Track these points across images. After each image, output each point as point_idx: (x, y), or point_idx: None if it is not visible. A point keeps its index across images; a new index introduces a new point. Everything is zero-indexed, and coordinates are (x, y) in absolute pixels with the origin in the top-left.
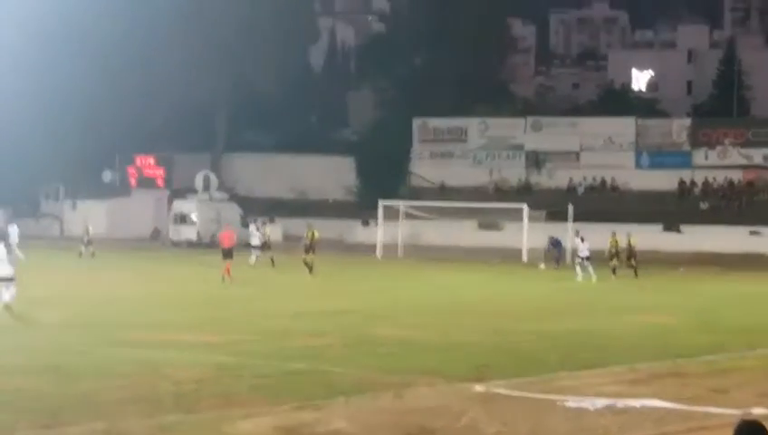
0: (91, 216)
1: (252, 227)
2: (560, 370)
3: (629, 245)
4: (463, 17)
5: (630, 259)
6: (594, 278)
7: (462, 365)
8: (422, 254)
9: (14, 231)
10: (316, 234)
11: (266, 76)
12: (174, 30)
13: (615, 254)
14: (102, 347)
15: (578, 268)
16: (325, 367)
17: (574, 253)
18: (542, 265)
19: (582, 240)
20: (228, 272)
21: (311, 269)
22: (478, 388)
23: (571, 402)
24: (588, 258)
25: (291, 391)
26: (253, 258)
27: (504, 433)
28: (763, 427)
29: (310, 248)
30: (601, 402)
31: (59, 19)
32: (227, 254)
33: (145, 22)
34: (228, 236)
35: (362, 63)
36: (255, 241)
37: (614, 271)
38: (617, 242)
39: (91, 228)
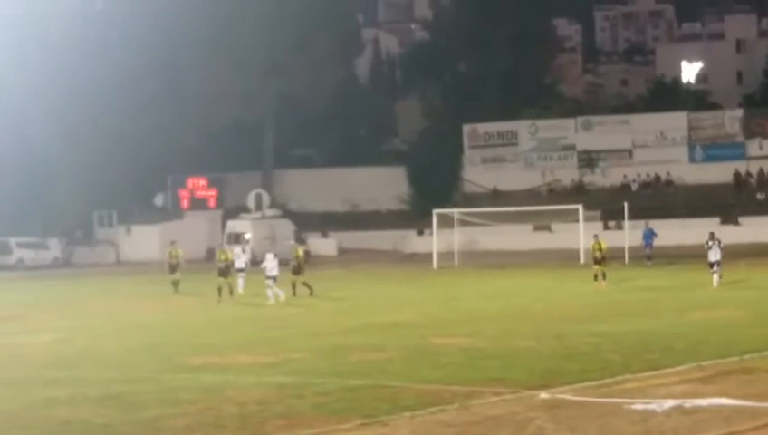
0: (145, 239)
1: (237, 249)
2: (624, 372)
3: (600, 247)
4: (506, 20)
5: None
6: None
7: (525, 372)
8: (478, 260)
9: None
10: (230, 256)
11: (312, 91)
12: (218, 49)
13: (602, 258)
14: (162, 374)
15: (269, 291)
16: (386, 382)
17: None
18: None
19: (275, 256)
20: None
21: (229, 292)
22: (543, 395)
23: (638, 405)
24: (275, 278)
25: (354, 409)
26: (241, 283)
27: None
28: None
29: (225, 272)
30: (669, 403)
31: (103, 46)
32: None
33: (190, 43)
34: None
35: (408, 72)
36: (240, 263)
37: (597, 277)
38: (600, 245)
39: None
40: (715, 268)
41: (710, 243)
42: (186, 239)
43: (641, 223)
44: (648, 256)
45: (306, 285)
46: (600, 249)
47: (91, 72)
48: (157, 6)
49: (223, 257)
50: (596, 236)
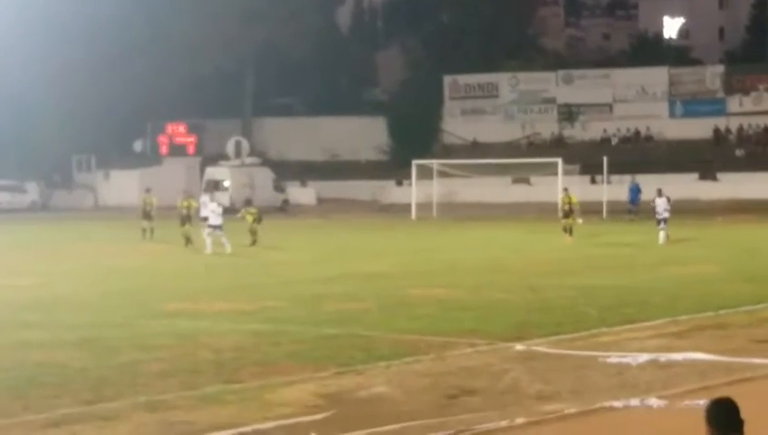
0: (123, 185)
1: (204, 198)
2: (600, 326)
3: (570, 201)
4: None
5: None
6: (228, 249)
7: (501, 324)
8: (457, 212)
9: None
10: (193, 204)
11: (294, 39)
12: None
13: (570, 211)
14: (139, 319)
15: (223, 240)
16: (363, 331)
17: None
18: (580, 220)
19: (219, 204)
20: None
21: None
22: (519, 347)
23: (613, 358)
24: (220, 227)
25: (329, 357)
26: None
27: (546, 392)
28: (734, 404)
29: (186, 220)
30: (644, 357)
31: None
32: None
33: None
34: None
35: (390, 22)
36: (206, 213)
37: (569, 231)
38: (570, 199)
39: None
40: (662, 225)
41: (657, 200)
42: (164, 186)
43: (625, 178)
44: (632, 210)
45: (254, 233)
46: (570, 203)
47: (72, 17)
48: None
49: (185, 205)
50: (566, 189)
